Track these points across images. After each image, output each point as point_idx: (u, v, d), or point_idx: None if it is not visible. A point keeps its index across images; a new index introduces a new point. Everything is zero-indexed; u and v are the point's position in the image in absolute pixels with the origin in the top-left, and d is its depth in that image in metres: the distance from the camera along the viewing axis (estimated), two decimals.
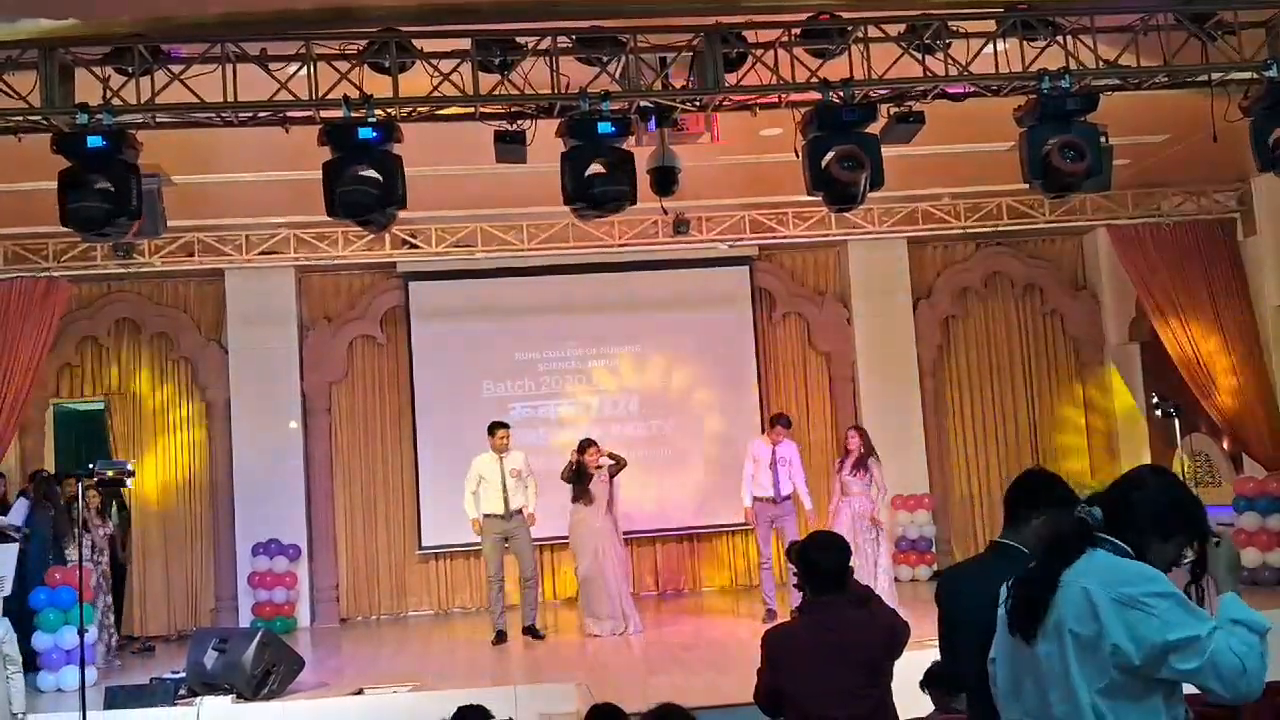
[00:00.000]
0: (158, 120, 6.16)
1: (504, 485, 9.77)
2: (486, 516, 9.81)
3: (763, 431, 10.56)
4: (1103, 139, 6.63)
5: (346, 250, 10.59)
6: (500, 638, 9.75)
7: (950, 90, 6.67)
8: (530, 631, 9.79)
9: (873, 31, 6.44)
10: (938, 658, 3.91)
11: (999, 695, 2.86)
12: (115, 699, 7.79)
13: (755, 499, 9.98)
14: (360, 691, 7.99)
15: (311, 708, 7.73)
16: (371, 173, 6.12)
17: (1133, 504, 2.72)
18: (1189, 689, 2.61)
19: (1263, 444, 10.48)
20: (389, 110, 6.19)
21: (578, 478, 9.87)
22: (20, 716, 7.71)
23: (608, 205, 6.40)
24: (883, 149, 6.48)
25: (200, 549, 11.80)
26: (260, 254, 10.61)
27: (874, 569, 9.47)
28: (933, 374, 12.61)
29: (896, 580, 11.40)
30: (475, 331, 12.13)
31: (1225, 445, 11.07)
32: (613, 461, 9.93)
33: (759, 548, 10.17)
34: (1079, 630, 2.56)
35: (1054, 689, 2.60)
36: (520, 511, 9.83)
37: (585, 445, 9.99)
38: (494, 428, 10.01)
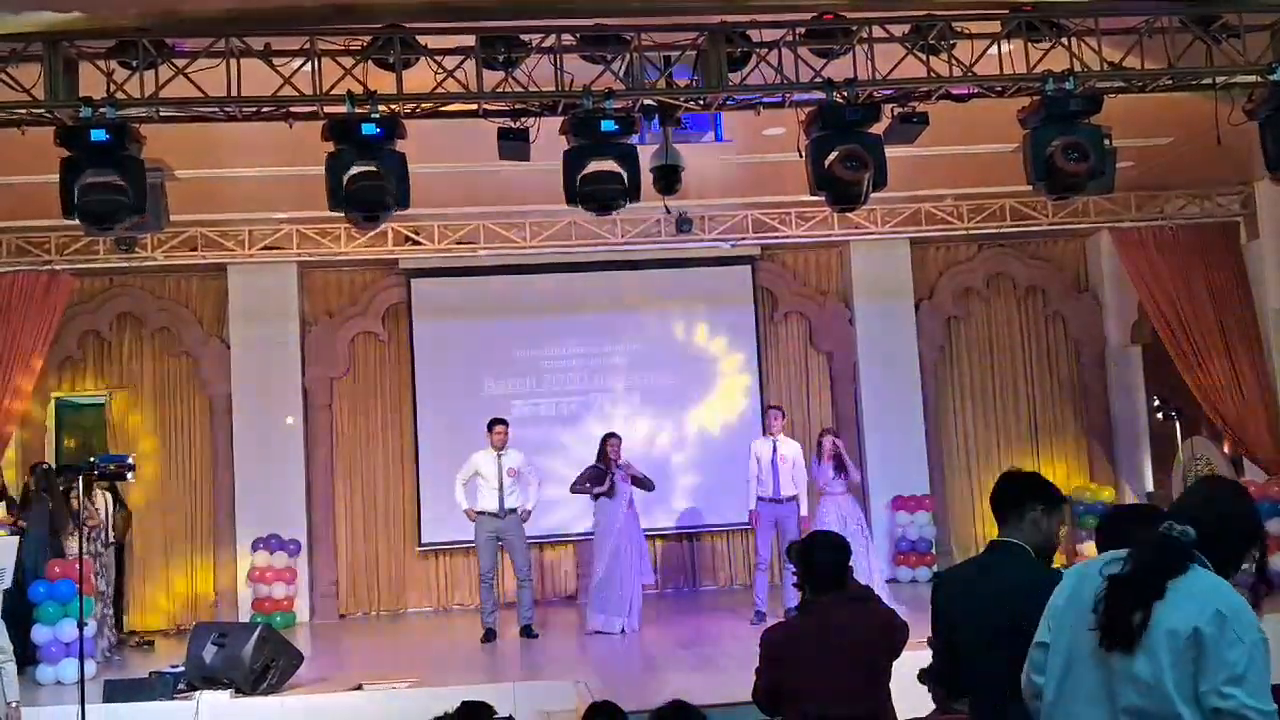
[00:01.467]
0: (161, 114, 6.18)
1: (500, 483, 9.77)
2: (481, 514, 9.80)
3: (763, 431, 10.53)
4: (1106, 141, 6.63)
5: (349, 246, 10.59)
6: (489, 636, 9.72)
7: (954, 91, 6.68)
8: (526, 631, 9.79)
9: (877, 32, 6.44)
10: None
11: (1045, 684, 2.79)
12: (114, 693, 7.79)
13: (759, 499, 9.97)
14: (359, 687, 7.99)
15: (310, 703, 7.73)
16: (373, 168, 6.12)
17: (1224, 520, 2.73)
18: None
19: (1264, 447, 10.48)
20: (393, 106, 6.19)
21: (598, 473, 9.89)
22: (14, 705, 7.71)
23: (609, 203, 6.40)
24: (886, 149, 6.49)
25: (200, 543, 11.81)
26: (263, 249, 10.61)
27: (869, 570, 9.45)
28: (934, 375, 12.62)
29: (896, 581, 11.42)
30: (477, 328, 12.14)
31: (1226, 449, 11.06)
32: (639, 476, 9.96)
33: (756, 548, 10.14)
34: (1179, 638, 2.54)
35: (1128, 686, 2.59)
36: (515, 511, 9.82)
37: (607, 437, 10.03)
38: (492, 424, 9.99)
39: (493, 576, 9.85)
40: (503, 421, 10.04)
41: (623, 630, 9.69)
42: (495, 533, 9.78)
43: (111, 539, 10.45)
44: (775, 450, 9.95)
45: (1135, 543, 2.71)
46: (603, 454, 9.92)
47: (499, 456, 9.83)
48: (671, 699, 4.05)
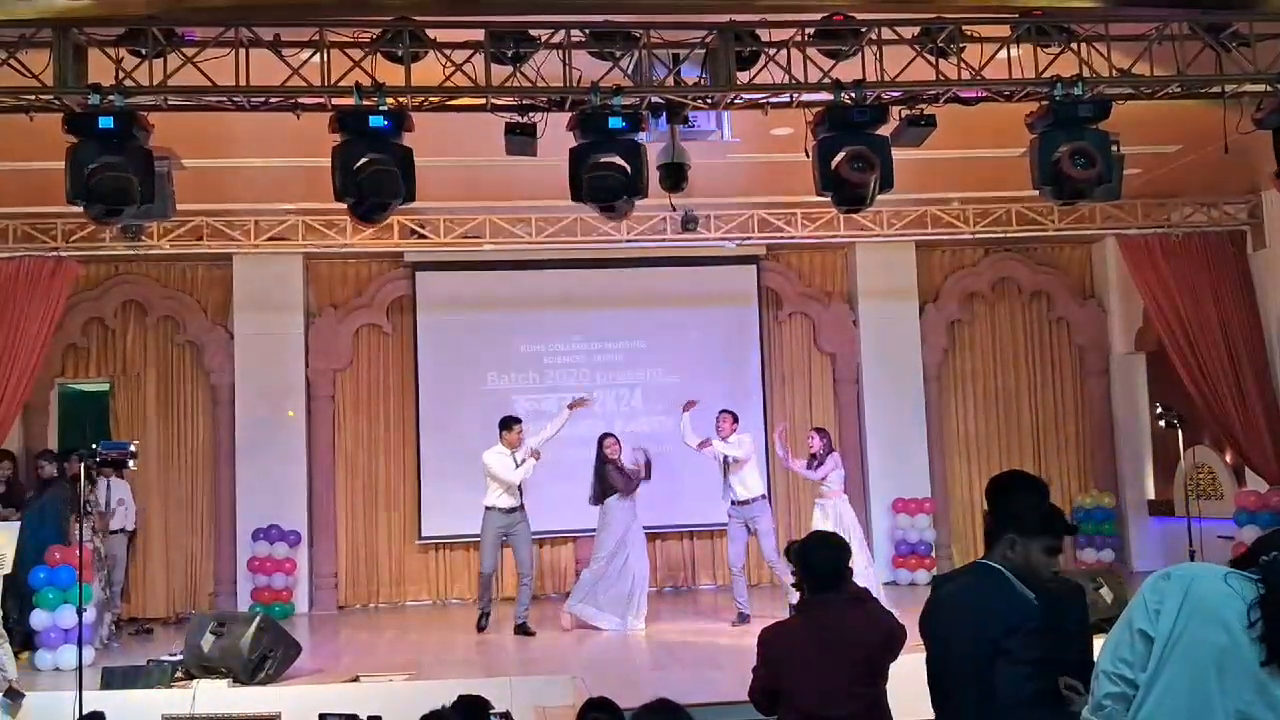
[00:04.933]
0: (169, 103, 6.18)
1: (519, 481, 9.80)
2: (490, 509, 9.79)
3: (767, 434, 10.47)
4: (1114, 147, 6.62)
5: (355, 238, 10.60)
6: (484, 619, 9.80)
7: (962, 94, 6.67)
8: (522, 629, 9.79)
9: (886, 34, 6.44)
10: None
11: (1143, 679, 2.77)
12: (112, 679, 7.80)
13: (731, 502, 9.96)
14: (356, 679, 8.01)
15: (307, 693, 7.74)
16: (382, 157, 6.13)
17: None
18: None
19: (1266, 458, 10.46)
20: (400, 99, 6.19)
21: (608, 473, 9.90)
22: (13, 682, 7.76)
23: (615, 200, 6.40)
24: (893, 152, 6.49)
25: (201, 533, 11.83)
26: (269, 240, 10.63)
27: (864, 576, 9.45)
28: (937, 378, 12.62)
29: (895, 584, 11.43)
30: (481, 323, 12.14)
31: (1228, 458, 11.05)
32: (635, 467, 9.96)
33: (729, 553, 10.09)
34: None
35: (1259, 699, 2.65)
36: (523, 507, 9.83)
37: (602, 438, 10.03)
38: (510, 422, 9.97)
39: (493, 574, 9.85)
40: (519, 420, 10.05)
41: (618, 628, 9.69)
42: (504, 529, 9.79)
43: (122, 527, 10.51)
44: (726, 455, 9.94)
45: (1264, 568, 2.75)
46: (602, 455, 9.91)
47: (514, 454, 9.83)
48: (660, 697, 4.04)
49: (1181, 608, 2.77)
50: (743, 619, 9.69)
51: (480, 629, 9.83)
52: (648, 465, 9.98)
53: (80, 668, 7.34)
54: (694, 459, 12.11)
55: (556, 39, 6.27)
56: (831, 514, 9.69)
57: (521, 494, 9.86)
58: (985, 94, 6.67)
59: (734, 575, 10.00)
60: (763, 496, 10.07)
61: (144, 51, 6.02)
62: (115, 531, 10.38)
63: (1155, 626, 2.79)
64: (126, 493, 10.62)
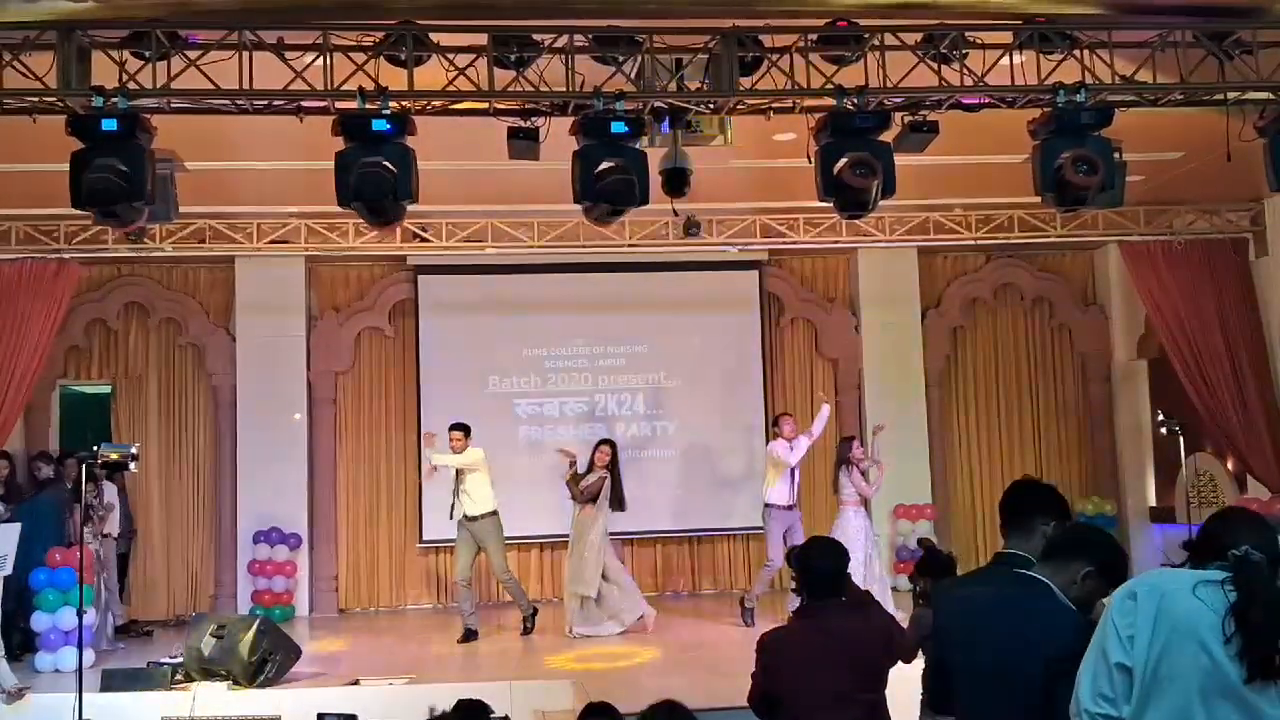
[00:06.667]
0: (173, 105, 6.18)
1: (455, 489, 9.78)
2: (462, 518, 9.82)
3: (770, 438, 10.41)
4: (1116, 154, 6.62)
5: (357, 241, 10.60)
6: (468, 635, 9.72)
7: (965, 101, 6.67)
8: (529, 621, 9.90)
9: (889, 40, 6.44)
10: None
11: (1129, 712, 2.70)
12: (112, 682, 7.80)
13: (777, 507, 9.85)
14: (356, 682, 8.01)
15: (307, 697, 7.73)
16: (386, 162, 6.13)
17: None
18: None
19: (1267, 465, 10.45)
20: (404, 103, 6.20)
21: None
22: (11, 689, 7.76)
23: (617, 205, 6.40)
24: (895, 157, 6.48)
25: (201, 535, 11.83)
26: (271, 243, 10.63)
27: (877, 580, 9.45)
28: (939, 384, 12.61)
29: (895, 590, 11.40)
30: (483, 326, 12.15)
31: (1230, 465, 11.04)
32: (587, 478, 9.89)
33: (768, 553, 10.00)
34: None
35: (1248, 715, 2.60)
36: (494, 513, 9.79)
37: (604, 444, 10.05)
38: (449, 429, 9.96)
39: (467, 579, 9.82)
40: (456, 427, 9.94)
41: (612, 631, 9.71)
42: (472, 535, 9.79)
43: (108, 533, 10.48)
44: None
45: (1233, 566, 2.67)
46: (591, 461, 9.88)
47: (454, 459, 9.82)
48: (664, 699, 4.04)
49: (1155, 631, 2.68)
50: (746, 602, 9.80)
51: (462, 640, 9.72)
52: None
53: (80, 669, 7.33)
54: (695, 464, 12.16)
55: (559, 43, 6.28)
56: (857, 522, 9.72)
57: (458, 503, 9.76)
58: (988, 100, 6.67)
59: (770, 571, 9.97)
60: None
61: (147, 54, 6.03)
62: (102, 536, 10.36)
63: (1130, 655, 2.69)
64: (115, 497, 10.58)
